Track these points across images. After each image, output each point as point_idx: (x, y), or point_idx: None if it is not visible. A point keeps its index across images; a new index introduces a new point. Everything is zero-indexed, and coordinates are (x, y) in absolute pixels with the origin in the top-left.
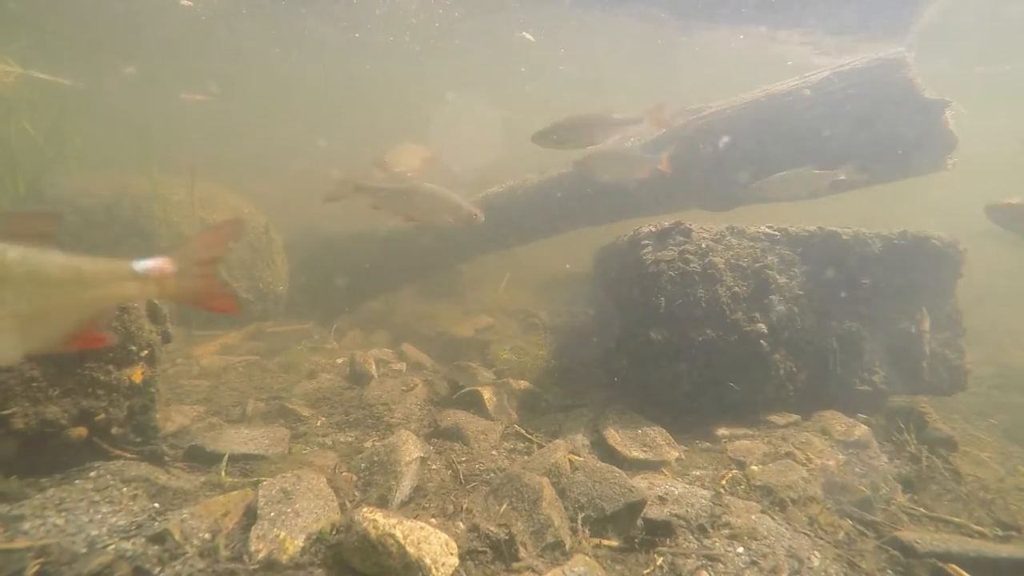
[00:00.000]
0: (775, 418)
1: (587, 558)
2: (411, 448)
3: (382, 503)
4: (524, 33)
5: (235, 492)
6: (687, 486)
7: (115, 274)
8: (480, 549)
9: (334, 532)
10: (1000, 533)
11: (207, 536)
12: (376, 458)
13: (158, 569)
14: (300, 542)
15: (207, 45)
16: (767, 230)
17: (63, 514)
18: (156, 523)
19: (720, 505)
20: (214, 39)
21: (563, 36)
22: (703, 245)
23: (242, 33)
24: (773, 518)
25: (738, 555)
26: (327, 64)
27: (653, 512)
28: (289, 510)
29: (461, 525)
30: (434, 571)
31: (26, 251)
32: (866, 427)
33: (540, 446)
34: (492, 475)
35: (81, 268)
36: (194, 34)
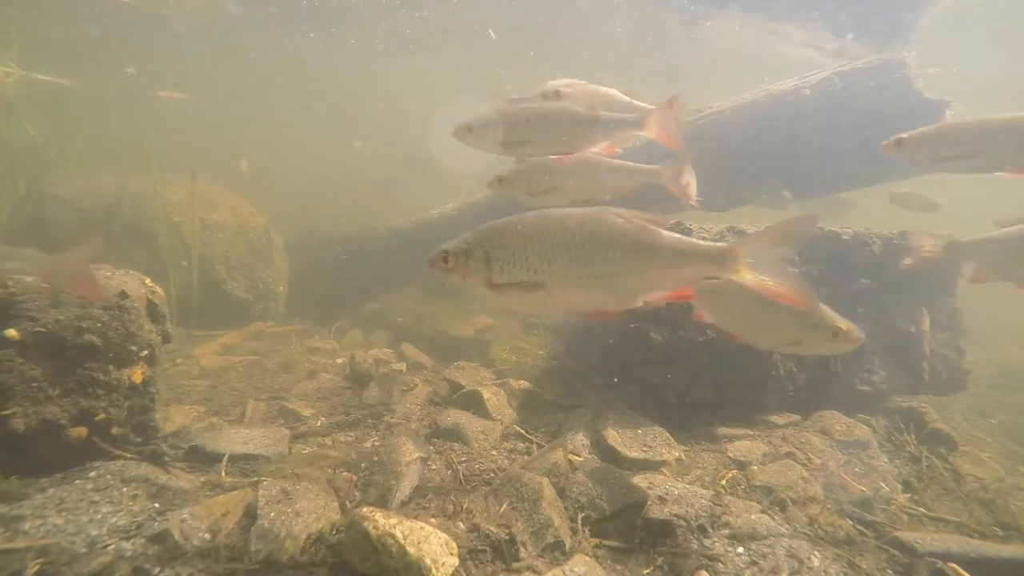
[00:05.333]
0: (775, 418)
1: (587, 558)
2: (411, 448)
3: (382, 503)
4: (489, 31)
5: (235, 492)
6: (687, 486)
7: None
8: (480, 549)
9: (334, 532)
10: (1000, 533)
11: (207, 536)
12: (376, 458)
13: (158, 569)
14: (300, 542)
15: (194, 45)
16: None
17: (63, 514)
18: (156, 523)
19: (720, 505)
20: (199, 39)
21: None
22: None
23: (223, 34)
24: (773, 518)
25: (738, 555)
26: (303, 65)
27: (653, 512)
28: (289, 510)
29: (461, 525)
30: (434, 571)
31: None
32: (866, 427)
33: (540, 446)
34: (492, 475)
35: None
36: (178, 35)
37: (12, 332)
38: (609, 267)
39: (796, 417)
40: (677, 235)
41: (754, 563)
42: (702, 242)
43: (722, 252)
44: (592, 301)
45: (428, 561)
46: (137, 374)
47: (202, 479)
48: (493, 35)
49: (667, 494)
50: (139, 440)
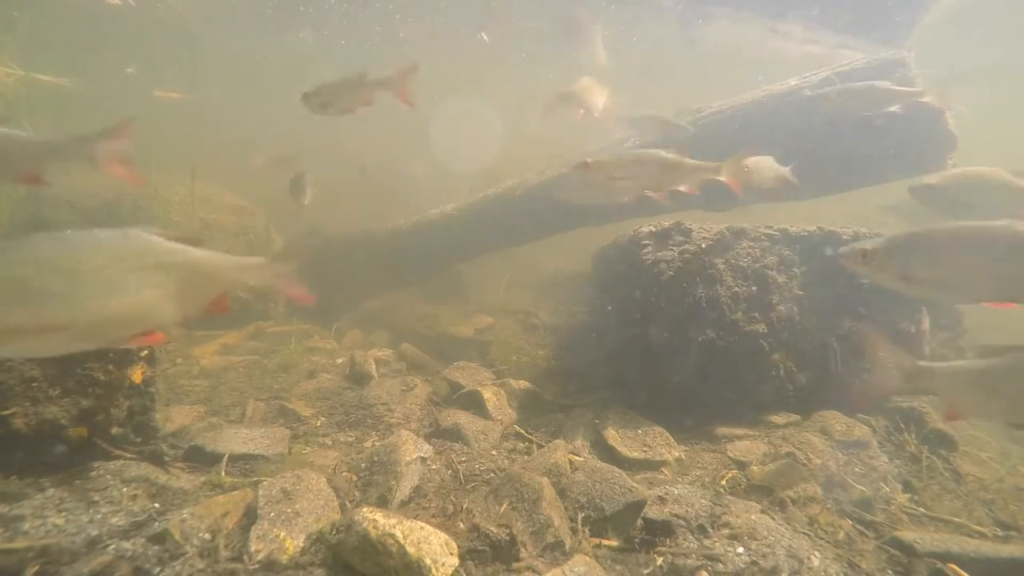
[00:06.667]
0: (775, 418)
1: (587, 558)
2: (411, 448)
3: (382, 503)
4: (482, 34)
5: (235, 492)
6: (687, 486)
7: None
8: (480, 549)
9: (334, 532)
10: (1000, 533)
11: (207, 536)
12: (376, 458)
13: (158, 569)
14: (300, 542)
15: (188, 46)
16: (767, 230)
17: (63, 514)
18: (156, 523)
19: (720, 505)
20: (194, 40)
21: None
22: (703, 245)
23: (219, 35)
24: (773, 518)
25: (738, 555)
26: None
27: (653, 512)
28: (289, 510)
29: (461, 525)
30: (434, 571)
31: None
32: (866, 427)
33: (540, 446)
34: (492, 475)
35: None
36: (175, 35)
37: None
38: (160, 286)
39: (796, 417)
40: (212, 251)
41: (754, 563)
42: (236, 257)
43: (254, 263)
44: (154, 318)
45: (428, 561)
46: (137, 374)
47: (202, 479)
48: (486, 38)
49: (667, 494)
50: (139, 440)
